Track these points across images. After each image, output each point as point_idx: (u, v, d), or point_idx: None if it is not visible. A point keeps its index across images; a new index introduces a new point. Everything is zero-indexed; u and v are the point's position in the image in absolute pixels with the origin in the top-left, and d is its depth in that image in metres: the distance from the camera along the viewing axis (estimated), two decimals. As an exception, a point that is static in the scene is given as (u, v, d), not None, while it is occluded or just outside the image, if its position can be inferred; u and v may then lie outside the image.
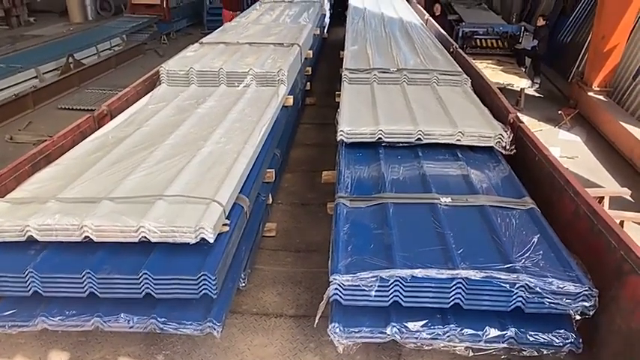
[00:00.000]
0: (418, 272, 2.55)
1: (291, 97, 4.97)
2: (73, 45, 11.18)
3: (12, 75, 9.07)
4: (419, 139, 3.92)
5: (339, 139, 3.95)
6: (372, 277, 2.55)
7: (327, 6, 10.33)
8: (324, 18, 9.70)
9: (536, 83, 10.04)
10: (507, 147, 3.89)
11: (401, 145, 3.95)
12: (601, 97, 8.39)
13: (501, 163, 3.82)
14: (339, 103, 4.52)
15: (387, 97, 4.53)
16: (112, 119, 4.28)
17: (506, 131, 3.92)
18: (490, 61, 10.28)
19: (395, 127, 3.92)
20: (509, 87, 9.34)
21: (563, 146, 7.60)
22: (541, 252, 2.77)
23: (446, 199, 3.26)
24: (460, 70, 5.18)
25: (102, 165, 3.30)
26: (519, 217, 3.13)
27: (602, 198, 4.82)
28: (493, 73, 9.67)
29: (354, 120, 4.03)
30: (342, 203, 3.22)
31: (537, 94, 10.00)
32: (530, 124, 8.67)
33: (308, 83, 6.82)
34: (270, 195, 4.22)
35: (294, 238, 4.20)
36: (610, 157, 7.01)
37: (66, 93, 9.66)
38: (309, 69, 6.66)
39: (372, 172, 3.71)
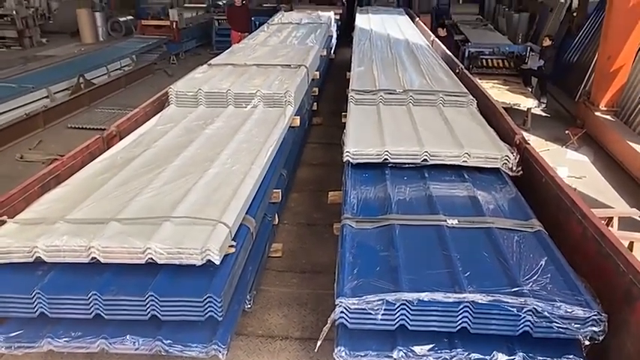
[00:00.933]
0: (425, 296, 2.53)
1: (298, 117, 5.01)
2: (83, 65, 11.37)
3: (24, 95, 9.21)
4: (425, 160, 3.92)
5: (345, 159, 3.96)
6: (378, 301, 2.53)
7: (334, 27, 10.46)
8: (331, 39, 9.81)
9: (543, 103, 10.07)
10: (514, 168, 3.88)
11: (407, 166, 3.95)
12: (608, 117, 8.36)
13: (508, 184, 3.81)
14: (345, 123, 4.55)
15: (393, 118, 4.55)
16: (120, 140, 4.32)
17: (512, 152, 3.92)
18: (496, 81, 10.31)
19: (401, 149, 3.93)
20: (515, 107, 9.37)
21: (571, 166, 7.56)
22: (549, 275, 2.74)
23: (452, 221, 3.25)
24: (466, 91, 5.21)
25: (110, 186, 3.33)
26: (526, 240, 3.11)
27: (611, 219, 4.77)
28: (500, 92, 9.69)
29: (360, 141, 4.05)
30: (348, 224, 3.22)
31: (544, 114, 10.01)
32: (538, 143, 8.64)
33: (315, 104, 6.87)
34: (276, 215, 4.22)
35: (300, 258, 4.19)
36: (618, 177, 6.97)
37: (76, 112, 9.80)
38: (316, 89, 6.71)
39: (379, 193, 3.70)
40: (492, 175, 3.93)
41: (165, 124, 4.49)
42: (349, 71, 6.14)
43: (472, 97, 5.03)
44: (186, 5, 19.92)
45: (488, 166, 3.91)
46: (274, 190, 4.02)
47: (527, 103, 9.28)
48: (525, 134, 8.92)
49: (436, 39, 8.67)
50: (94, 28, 16.17)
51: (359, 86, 5.28)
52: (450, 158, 3.90)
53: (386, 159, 3.93)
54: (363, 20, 10.07)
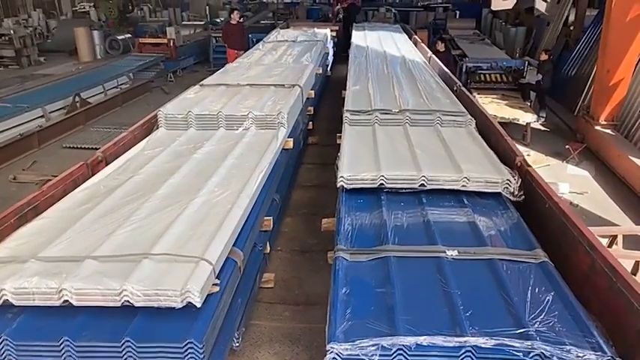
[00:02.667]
0: (423, 340, 2.32)
1: (291, 139, 4.83)
2: (80, 84, 11.26)
3: (18, 115, 9.08)
4: (422, 185, 3.72)
5: (339, 185, 3.76)
6: (372, 346, 2.31)
7: (330, 44, 10.32)
8: (328, 56, 9.66)
9: (542, 117, 9.93)
10: (515, 193, 3.68)
11: (404, 191, 3.75)
12: (608, 131, 8.19)
13: (509, 210, 3.61)
14: (340, 144, 4.36)
15: (388, 140, 4.36)
16: (107, 165, 4.13)
17: (513, 176, 3.72)
18: (495, 96, 10.17)
19: (397, 173, 3.74)
20: (514, 121, 9.22)
21: (572, 181, 7.40)
22: (556, 313, 2.53)
23: (452, 252, 3.04)
24: (464, 110, 5.02)
25: (90, 218, 3.13)
26: (531, 272, 2.90)
27: (615, 237, 4.56)
28: (498, 107, 9.56)
29: (355, 165, 3.86)
30: (342, 257, 3.01)
31: (543, 128, 9.87)
32: (538, 159, 8.50)
33: (310, 122, 6.69)
34: (267, 243, 4.01)
35: (293, 289, 3.97)
36: (620, 193, 6.78)
37: (72, 132, 9.65)
38: (311, 109, 6.54)
39: (374, 220, 3.50)
40: (493, 200, 3.73)
41: (154, 149, 4.30)
42: (345, 90, 5.97)
43: (470, 117, 4.84)
44: (184, 23, 19.92)
45: (489, 190, 3.71)
46: (265, 218, 3.81)
47: (526, 117, 9.14)
48: (525, 149, 8.92)
49: (433, 56, 8.51)
50: (91, 47, 16.09)
51: (354, 106, 5.10)
52: (448, 183, 3.71)
53: (382, 184, 3.73)
54: (360, 37, 9.94)
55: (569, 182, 7.22)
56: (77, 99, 10.47)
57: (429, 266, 2.95)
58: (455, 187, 3.71)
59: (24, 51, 15.24)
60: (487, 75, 10.81)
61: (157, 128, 4.79)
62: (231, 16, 11.71)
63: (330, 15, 15.85)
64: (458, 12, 18.69)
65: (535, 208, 3.63)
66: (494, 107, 9.50)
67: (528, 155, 8.52)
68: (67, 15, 19.68)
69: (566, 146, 8.46)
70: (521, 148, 8.89)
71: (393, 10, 17.94)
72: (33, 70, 14.91)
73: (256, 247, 3.66)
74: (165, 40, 14.69)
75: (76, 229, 2.97)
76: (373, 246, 3.16)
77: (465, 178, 3.68)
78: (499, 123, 8.87)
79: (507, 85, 10.62)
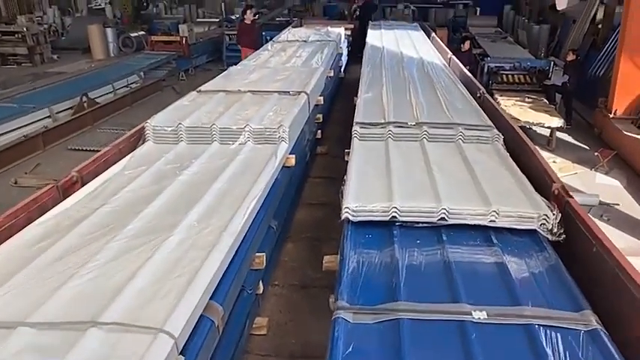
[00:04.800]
0: None
1: (293, 156, 4.21)
2: (88, 83, 10.83)
3: (24, 115, 8.66)
4: (442, 219, 3.09)
5: (343, 216, 3.14)
6: None
7: (344, 44, 9.65)
8: (341, 57, 8.99)
9: (568, 121, 9.21)
10: (554, 230, 3.02)
11: (420, 225, 3.12)
12: (624, 125, 7.71)
13: (547, 252, 2.95)
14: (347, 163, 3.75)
15: (403, 161, 3.72)
16: (83, 186, 3.57)
17: (552, 210, 3.06)
18: (518, 98, 9.48)
19: (413, 205, 3.10)
20: (539, 126, 8.54)
21: (602, 191, 6.71)
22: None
23: (480, 314, 2.40)
24: (490, 123, 4.35)
25: (42, 262, 2.56)
26: (579, 343, 2.25)
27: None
28: (522, 111, 8.90)
29: (363, 193, 3.23)
30: (343, 318, 2.39)
31: (569, 133, 9.13)
32: (565, 166, 7.88)
33: (319, 131, 6.07)
34: (261, 282, 3.40)
35: (289, 336, 3.36)
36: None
37: (78, 132, 9.22)
38: (320, 116, 5.91)
39: (384, 263, 2.87)
40: (527, 238, 3.06)
41: (136, 168, 3.73)
42: (356, 96, 5.33)
43: (497, 132, 4.17)
44: (198, 20, 19.38)
45: (522, 227, 3.06)
46: (257, 255, 3.21)
47: (552, 122, 8.46)
48: (550, 155, 8.22)
49: (454, 57, 7.77)
50: (104, 44, 15.65)
51: (365, 117, 4.46)
52: (473, 217, 3.06)
53: (394, 217, 3.11)
54: (375, 36, 9.24)
55: (599, 192, 6.56)
56: (85, 99, 10.01)
57: (451, 332, 2.32)
58: (481, 223, 3.06)
59: (37, 48, 14.86)
60: (510, 76, 10.15)
61: (144, 142, 4.22)
62: (245, 15, 11.09)
63: (346, 12, 15.11)
64: (479, 9, 17.83)
65: (578, 251, 2.96)
66: (518, 110, 8.84)
67: (554, 162, 7.89)
68: (83, 12, 19.26)
69: (595, 153, 7.82)
70: (545, 154, 8.31)
71: (412, 7, 17.14)
72: (46, 67, 14.54)
73: (244, 290, 3.06)
74: (177, 38, 14.17)
75: (19, 280, 2.40)
76: (382, 301, 2.53)
77: (494, 211, 3.04)
78: (521, 127, 8.38)
79: (531, 87, 9.96)
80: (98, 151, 4.12)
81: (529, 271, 2.83)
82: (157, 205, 3.13)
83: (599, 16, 12.12)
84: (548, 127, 8.45)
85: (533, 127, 8.70)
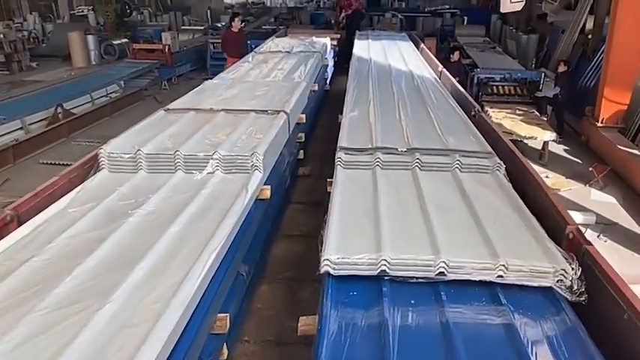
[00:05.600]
0: None
1: (268, 187, 3.63)
2: (65, 92, 10.27)
3: (-6, 127, 8.04)
4: (441, 273, 2.53)
5: (322, 270, 2.58)
6: None
7: (330, 55, 9.08)
8: (326, 69, 8.41)
9: (559, 134, 8.80)
10: (574, 288, 2.48)
11: (415, 281, 2.56)
12: (610, 133, 7.60)
13: (566, 314, 2.41)
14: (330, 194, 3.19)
15: (394, 196, 3.16)
16: (20, 227, 2.96)
17: (570, 264, 2.52)
18: (509, 110, 9.07)
19: (406, 256, 2.55)
20: (531, 139, 8.12)
21: (597, 208, 6.30)
22: None
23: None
24: (490, 149, 3.82)
25: None
26: None
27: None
28: (513, 123, 8.54)
29: (347, 241, 2.66)
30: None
31: (561, 146, 8.70)
32: (558, 182, 7.48)
33: (302, 151, 5.49)
34: (225, 346, 2.80)
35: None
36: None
37: (52, 145, 8.58)
38: (302, 135, 5.33)
39: (371, 327, 2.32)
40: (540, 296, 2.52)
41: (83, 205, 3.13)
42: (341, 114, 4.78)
43: (498, 161, 3.63)
44: (183, 28, 18.74)
45: (535, 284, 2.51)
46: (219, 316, 2.62)
47: (544, 135, 8.08)
48: (543, 170, 7.78)
49: (445, 70, 7.25)
50: (85, 52, 14.95)
51: (350, 142, 3.90)
52: (478, 272, 2.51)
53: (384, 271, 2.55)
54: (362, 47, 8.69)
55: (595, 210, 6.10)
56: (59, 110, 9.39)
57: None
58: (487, 279, 2.51)
59: (15, 56, 14.14)
60: (500, 87, 9.76)
61: (99, 171, 3.62)
62: (232, 23, 10.49)
63: (333, 21, 14.55)
64: (466, 18, 17.42)
65: (602, 313, 2.43)
66: (509, 123, 8.45)
67: (547, 177, 7.48)
68: (65, 19, 18.49)
69: (590, 168, 7.42)
70: (538, 169, 7.83)
71: (399, 16, 16.66)
72: (24, 75, 13.83)
73: (201, 362, 2.47)
74: (160, 46, 13.55)
75: None
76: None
77: (502, 265, 2.49)
78: (512, 141, 7.95)
79: (522, 99, 9.61)
80: (70, 164, 3.58)
81: (544, 337, 2.30)
82: (98, 257, 2.53)
83: (589, 26, 11.74)
84: (541, 141, 8.04)
85: (525, 141, 8.32)
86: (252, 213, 3.35)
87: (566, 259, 2.55)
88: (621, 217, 6.26)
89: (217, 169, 3.53)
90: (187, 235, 2.77)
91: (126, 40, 15.78)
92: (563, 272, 2.48)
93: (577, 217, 5.67)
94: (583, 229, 6.08)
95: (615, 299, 2.35)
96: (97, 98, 10.79)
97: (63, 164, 7.25)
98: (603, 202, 6.81)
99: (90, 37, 15.19)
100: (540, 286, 2.51)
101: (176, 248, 2.64)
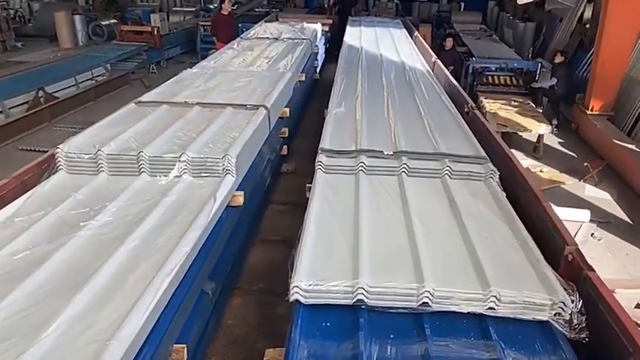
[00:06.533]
0: None
1: (241, 193, 3.28)
2: (48, 75, 9.80)
3: (-29, 111, 7.65)
4: (425, 304, 2.22)
5: (292, 298, 2.26)
6: None
7: (321, 42, 8.63)
8: (316, 57, 7.98)
9: (555, 126, 8.54)
10: (574, 323, 2.18)
11: (395, 311, 2.25)
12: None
13: (563, 351, 2.10)
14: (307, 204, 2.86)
15: (376, 209, 2.83)
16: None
17: (570, 294, 2.21)
18: (504, 101, 8.77)
19: (386, 284, 2.23)
20: (526, 132, 7.83)
21: (592, 206, 6.06)
22: None
23: None
24: (484, 154, 3.48)
25: None
26: None
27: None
28: (508, 115, 8.25)
29: (321, 265, 2.34)
30: None
31: (557, 139, 8.40)
32: (553, 176, 7.22)
33: (285, 147, 5.13)
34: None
35: None
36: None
37: (33, 131, 8.19)
38: (286, 130, 4.96)
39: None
40: (536, 332, 2.21)
41: (31, 214, 2.78)
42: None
43: (492, 167, 3.29)
44: (174, 9, 18.10)
45: (530, 317, 2.21)
46: (175, 347, 2.30)
47: (539, 128, 7.81)
48: (537, 164, 7.51)
49: (438, 61, 6.86)
50: (72, 33, 14.37)
51: (333, 143, 3.55)
52: (467, 304, 2.20)
53: (361, 300, 2.23)
54: (354, 35, 8.26)
55: (589, 206, 5.83)
56: (41, 93, 8.95)
57: None
58: (477, 311, 2.20)
59: (-1, 35, 13.59)
60: (496, 77, 9.44)
61: (56, 171, 3.26)
62: (223, 5, 10.00)
63: (325, 5, 14.01)
64: (463, 4, 16.91)
65: (604, 352, 2.13)
66: (504, 115, 8.15)
67: (541, 171, 7.22)
68: (53, -3, 17.81)
69: (585, 163, 7.18)
70: (533, 162, 7.59)
71: (395, 1, 16.14)
72: (8, 56, 13.28)
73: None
74: (149, 28, 13.01)
75: None
76: None
77: (494, 297, 2.18)
78: (506, 133, 7.61)
79: (517, 89, 9.34)
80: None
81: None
82: (37, 280, 2.20)
83: (587, 15, 11.35)
84: (536, 134, 7.75)
85: (519, 133, 8.02)
86: (222, 222, 3.02)
87: (565, 288, 2.24)
88: (616, 214, 6.04)
89: (185, 173, 3.19)
90: (143, 253, 2.43)
91: (115, 21, 15.19)
92: (561, 305, 2.17)
93: (570, 213, 5.44)
94: (577, 227, 5.78)
95: (620, 338, 2.05)
96: (82, 81, 10.32)
97: (43, 151, 6.86)
98: (598, 197, 6.58)
99: (77, 17, 14.60)
100: (536, 320, 2.21)
101: (128, 269, 2.31)
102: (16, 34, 14.48)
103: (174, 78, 5.08)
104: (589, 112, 8.18)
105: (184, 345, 2.31)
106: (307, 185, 3.30)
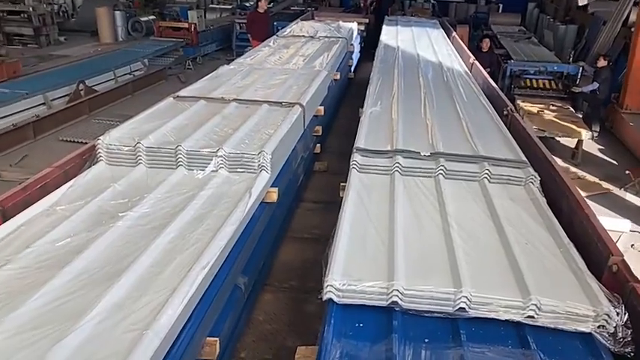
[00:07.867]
0: None
1: (275, 189, 3.29)
2: (89, 69, 10.05)
3: (15, 102, 7.89)
4: (462, 309, 2.17)
5: (325, 297, 2.24)
6: None
7: (356, 41, 8.58)
8: (351, 55, 7.93)
9: (595, 132, 8.24)
10: (619, 336, 2.09)
11: (431, 315, 2.21)
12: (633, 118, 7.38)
13: (609, 368, 2.02)
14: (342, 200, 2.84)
15: (412, 211, 2.79)
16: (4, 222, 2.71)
17: (616, 307, 2.12)
18: (542, 105, 8.53)
19: (423, 287, 2.19)
20: (565, 137, 7.59)
21: (633, 215, 5.85)
22: None
23: None
24: (524, 158, 3.38)
25: None
26: None
27: None
28: (547, 120, 7.97)
29: (355, 264, 2.32)
30: None
31: (597, 146, 8.13)
32: (592, 185, 6.97)
33: (318, 145, 5.12)
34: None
35: None
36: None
37: (72, 122, 8.40)
38: (319, 128, 4.95)
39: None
40: (577, 344, 2.13)
41: (72, 202, 2.84)
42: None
43: (533, 172, 3.20)
44: (211, 6, 18.33)
45: (571, 329, 2.13)
46: (208, 340, 2.31)
47: (579, 134, 7.47)
48: (575, 170, 7.29)
49: (476, 63, 6.73)
50: (112, 28, 14.75)
51: (368, 142, 3.52)
52: (505, 310, 2.13)
53: (395, 302, 2.20)
54: (390, 34, 8.19)
55: (630, 218, 5.60)
56: (81, 87, 9.20)
57: None
58: (516, 319, 2.14)
59: (43, 29, 14.00)
60: (534, 80, 9.18)
61: (96, 162, 3.33)
62: (259, 3, 10.07)
63: (362, 5, 13.93)
64: (501, 5, 16.56)
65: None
66: (542, 119, 7.94)
67: (579, 178, 6.99)
68: (95, -7, 18.28)
69: (626, 172, 6.88)
70: (571, 168, 7.39)
71: (432, 1, 15.93)
72: (51, 50, 13.73)
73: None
74: (186, 25, 13.22)
75: None
76: None
77: (534, 305, 2.11)
78: (543, 138, 7.41)
79: (557, 93, 9.05)
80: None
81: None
82: (75, 269, 2.24)
83: (632, 18, 10.94)
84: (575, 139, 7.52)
85: (557, 138, 7.80)
86: (256, 218, 3.03)
87: (610, 300, 2.16)
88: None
89: (221, 168, 3.21)
90: (179, 245, 2.46)
91: (153, 17, 15.51)
92: (605, 317, 2.09)
93: (609, 222, 5.25)
94: (616, 237, 5.58)
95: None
96: (121, 76, 10.56)
97: (82, 142, 7.06)
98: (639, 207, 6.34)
99: (117, 13, 14.96)
100: (577, 332, 2.12)
101: (164, 261, 2.34)
102: (60, 29, 14.92)
103: (212, 74, 5.14)
104: (623, 110, 8.10)
105: (217, 338, 2.33)
106: (341, 184, 3.28)
